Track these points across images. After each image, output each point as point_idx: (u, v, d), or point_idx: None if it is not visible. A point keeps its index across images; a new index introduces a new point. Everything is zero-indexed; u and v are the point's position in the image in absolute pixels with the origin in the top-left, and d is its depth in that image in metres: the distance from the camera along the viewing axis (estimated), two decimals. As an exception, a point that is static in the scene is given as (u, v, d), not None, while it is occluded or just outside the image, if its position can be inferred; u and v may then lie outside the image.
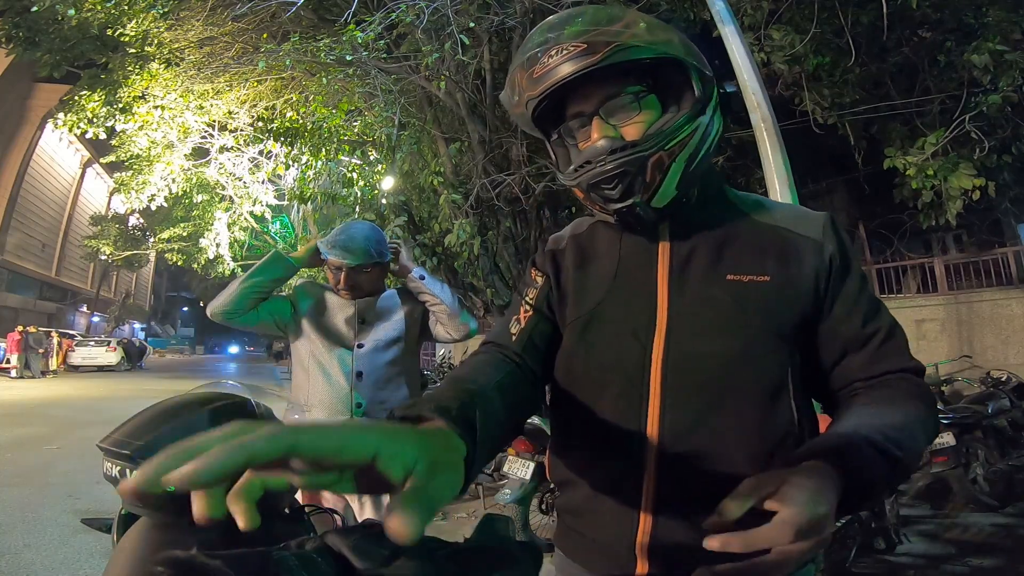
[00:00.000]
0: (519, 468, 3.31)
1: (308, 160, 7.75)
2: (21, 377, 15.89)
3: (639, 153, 0.71)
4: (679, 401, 0.73)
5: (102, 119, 8.02)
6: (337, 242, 1.78)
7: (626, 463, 0.74)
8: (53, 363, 18.46)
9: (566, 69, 0.69)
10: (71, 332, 23.37)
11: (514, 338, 0.83)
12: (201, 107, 7.76)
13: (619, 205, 0.73)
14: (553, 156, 0.84)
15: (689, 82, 0.73)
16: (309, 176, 8.37)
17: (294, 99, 7.57)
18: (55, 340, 18.90)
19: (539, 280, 0.87)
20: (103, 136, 8.38)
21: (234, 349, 30.86)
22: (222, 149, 9.54)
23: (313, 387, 1.73)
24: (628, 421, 0.74)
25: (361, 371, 1.73)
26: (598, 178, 0.72)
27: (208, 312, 1.79)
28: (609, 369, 0.77)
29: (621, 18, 0.72)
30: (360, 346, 1.76)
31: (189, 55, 7.30)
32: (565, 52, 0.70)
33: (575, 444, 0.82)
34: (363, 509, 1.70)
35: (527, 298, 0.86)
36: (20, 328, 16.73)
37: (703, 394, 0.73)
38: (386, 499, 1.68)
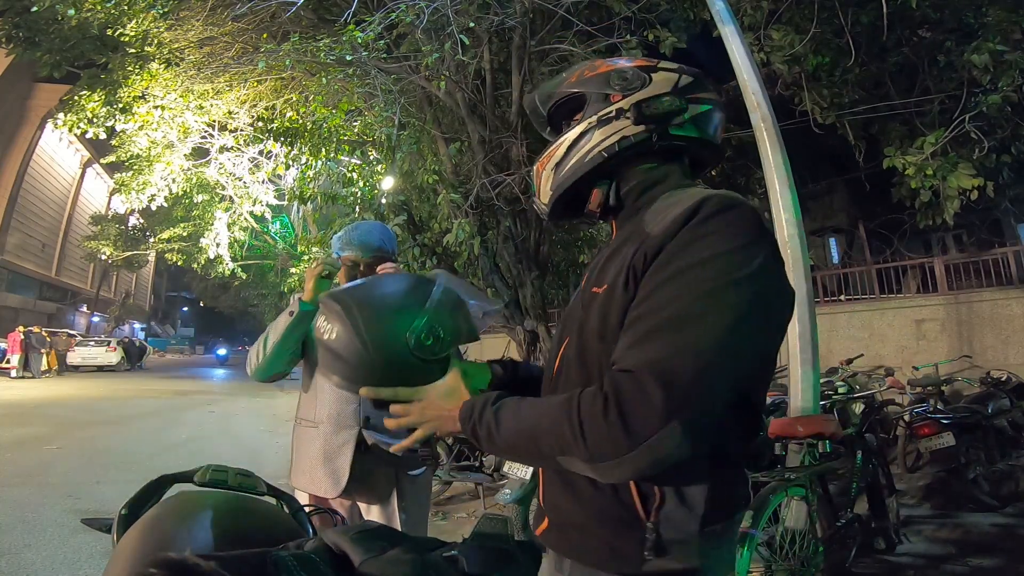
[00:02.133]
0: (519, 468, 3.31)
1: (308, 160, 7.74)
2: (21, 377, 15.89)
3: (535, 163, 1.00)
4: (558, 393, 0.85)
5: (102, 119, 8.01)
6: (353, 239, 1.81)
7: None
8: (68, 359, 18.65)
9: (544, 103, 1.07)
10: (71, 332, 23.35)
11: None
12: (201, 107, 7.75)
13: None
14: None
15: (578, 108, 0.97)
16: (309, 176, 8.36)
17: (294, 99, 7.56)
18: (62, 338, 18.98)
19: None
20: (103, 136, 8.37)
21: (222, 351, 28.37)
22: (222, 149, 9.54)
23: (321, 403, 1.69)
24: None
25: None
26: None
27: (249, 375, 1.81)
28: (548, 367, 0.97)
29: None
30: None
31: (189, 55, 7.29)
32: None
33: None
34: (369, 512, 1.70)
35: None
36: (22, 328, 16.74)
37: (565, 390, 0.83)
38: (393, 505, 1.69)
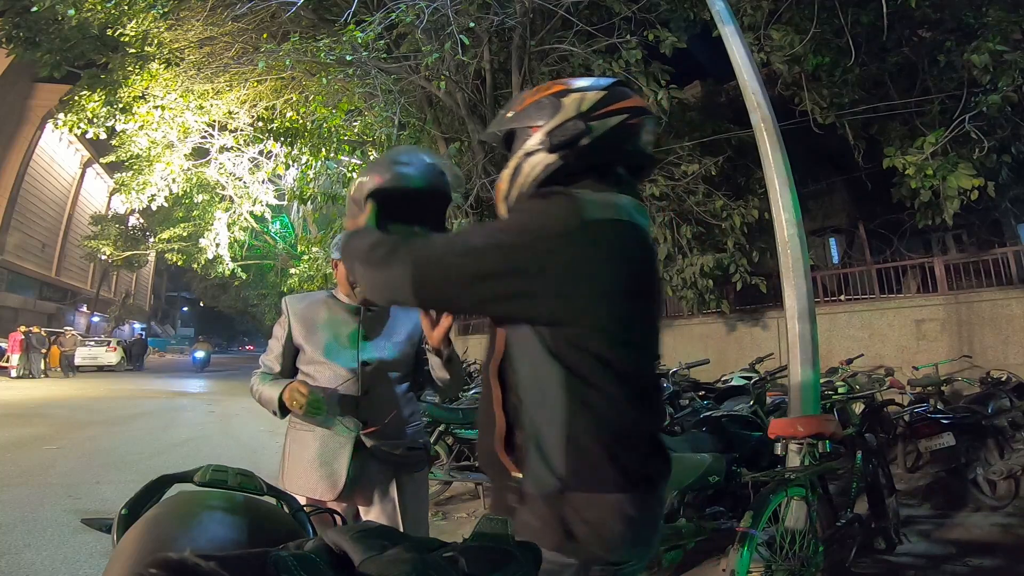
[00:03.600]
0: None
1: (308, 160, 7.74)
2: (21, 377, 15.90)
3: None
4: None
5: (102, 119, 8.02)
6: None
7: None
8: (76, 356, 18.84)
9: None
10: (58, 331, 23.35)
11: None
12: (201, 107, 7.76)
13: None
14: None
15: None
16: (309, 176, 8.36)
17: (294, 99, 7.57)
18: (68, 337, 18.99)
19: None
20: (103, 136, 8.38)
21: (200, 354, 21.21)
22: (222, 149, 9.54)
23: None
24: None
25: (367, 390, 1.68)
26: None
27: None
28: None
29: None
30: (365, 364, 1.69)
31: (189, 55, 7.30)
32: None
33: None
34: (369, 514, 1.69)
35: None
36: (23, 328, 16.74)
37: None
38: (394, 505, 1.68)
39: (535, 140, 1.01)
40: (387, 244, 0.96)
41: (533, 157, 1.01)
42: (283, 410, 1.63)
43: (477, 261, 0.91)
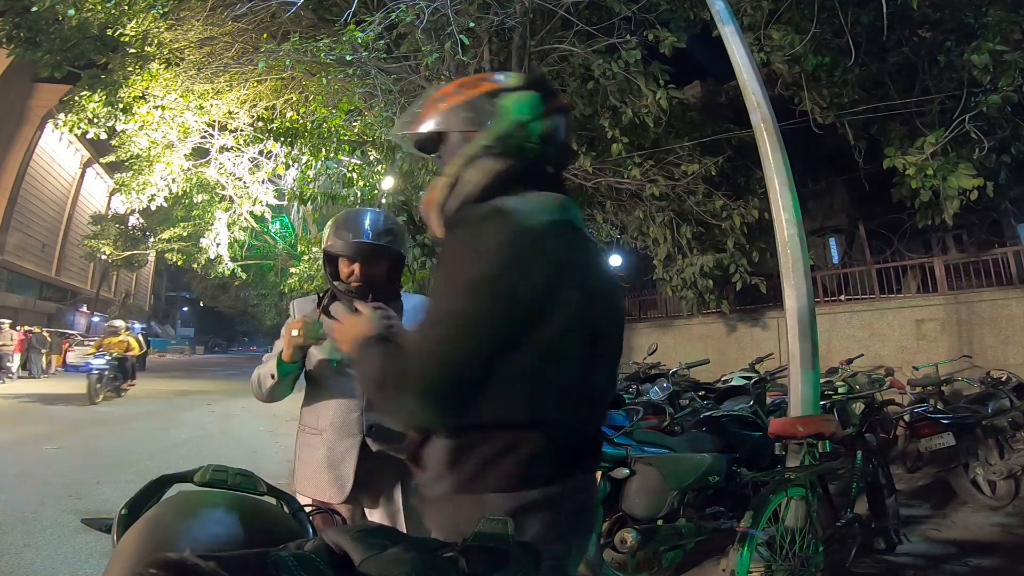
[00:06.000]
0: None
1: (308, 160, 7.74)
2: (20, 376, 15.89)
3: None
4: None
5: (102, 119, 8.01)
6: (340, 222, 1.68)
7: None
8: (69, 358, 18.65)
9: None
10: (68, 332, 23.33)
11: None
12: (201, 107, 7.76)
13: None
14: None
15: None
16: (309, 176, 8.36)
17: (294, 99, 7.57)
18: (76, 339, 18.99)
19: None
20: (103, 136, 8.38)
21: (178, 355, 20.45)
22: (222, 149, 9.54)
23: (324, 411, 1.67)
24: None
25: None
26: None
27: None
28: None
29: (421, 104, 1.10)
30: None
31: (189, 55, 7.29)
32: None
33: None
34: (373, 515, 1.69)
35: None
36: (23, 328, 16.74)
37: None
38: (398, 507, 1.68)
39: (477, 146, 0.99)
40: (387, 381, 0.89)
41: (477, 164, 0.98)
42: (281, 366, 1.60)
43: (463, 342, 0.86)
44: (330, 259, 1.72)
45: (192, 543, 0.69)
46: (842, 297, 8.31)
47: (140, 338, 13.10)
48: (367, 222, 1.67)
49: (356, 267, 1.65)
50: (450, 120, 1.04)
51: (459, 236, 0.94)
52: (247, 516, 0.84)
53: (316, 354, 1.71)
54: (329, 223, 1.74)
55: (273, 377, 1.63)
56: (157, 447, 6.50)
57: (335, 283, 1.71)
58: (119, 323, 12.02)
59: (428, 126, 1.06)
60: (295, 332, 1.56)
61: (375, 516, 1.68)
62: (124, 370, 11.24)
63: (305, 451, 1.70)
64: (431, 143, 1.09)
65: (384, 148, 7.59)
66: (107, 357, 10.61)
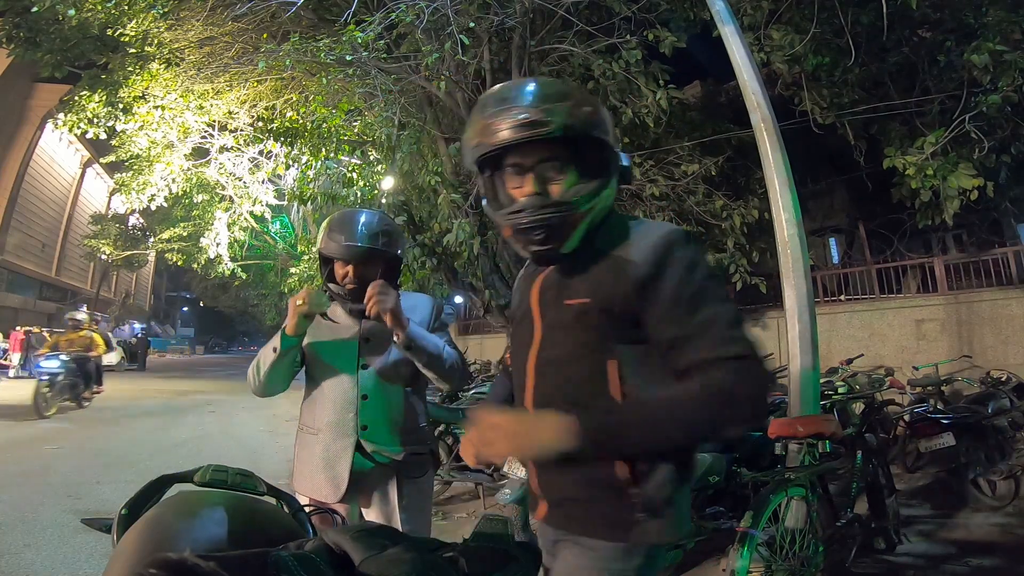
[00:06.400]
0: (519, 468, 3.31)
1: (308, 160, 7.74)
2: (20, 377, 15.89)
3: (561, 212, 0.94)
4: (539, 388, 1.04)
5: (102, 119, 8.02)
6: (334, 224, 1.66)
7: None
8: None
9: (522, 133, 0.90)
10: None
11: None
12: (201, 107, 7.76)
13: (538, 248, 0.99)
14: (482, 188, 1.06)
15: (605, 157, 0.98)
16: (309, 176, 8.36)
17: (294, 99, 7.56)
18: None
19: None
20: (103, 136, 8.38)
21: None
22: (222, 149, 9.54)
23: (320, 410, 1.67)
24: (520, 403, 1.08)
25: (366, 394, 1.65)
26: (526, 226, 0.96)
27: (251, 391, 1.75)
28: (517, 373, 1.10)
29: (570, 96, 0.94)
30: (364, 367, 1.66)
31: (189, 55, 7.29)
32: (523, 116, 0.90)
33: None
34: (368, 516, 1.70)
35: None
36: (24, 328, 16.74)
37: (549, 382, 1.03)
38: (394, 509, 1.68)
39: (617, 160, 1.00)
40: (738, 398, 0.88)
41: (614, 184, 1.00)
42: (285, 339, 1.59)
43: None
44: (325, 260, 1.72)
45: (192, 543, 0.69)
46: (842, 297, 8.31)
47: (109, 335, 11.18)
48: (360, 224, 1.66)
49: (350, 269, 1.65)
50: (600, 127, 0.96)
51: (692, 251, 0.94)
52: (247, 516, 0.84)
53: (310, 353, 1.71)
54: (323, 224, 1.73)
55: (275, 351, 1.61)
56: (157, 447, 6.50)
57: (330, 285, 1.70)
58: (82, 316, 10.05)
59: (587, 129, 0.94)
60: (299, 301, 1.55)
61: (370, 516, 1.68)
62: (86, 373, 9.21)
63: (303, 450, 1.70)
64: (560, 148, 0.95)
65: (384, 148, 7.58)
66: (62, 358, 8.72)
